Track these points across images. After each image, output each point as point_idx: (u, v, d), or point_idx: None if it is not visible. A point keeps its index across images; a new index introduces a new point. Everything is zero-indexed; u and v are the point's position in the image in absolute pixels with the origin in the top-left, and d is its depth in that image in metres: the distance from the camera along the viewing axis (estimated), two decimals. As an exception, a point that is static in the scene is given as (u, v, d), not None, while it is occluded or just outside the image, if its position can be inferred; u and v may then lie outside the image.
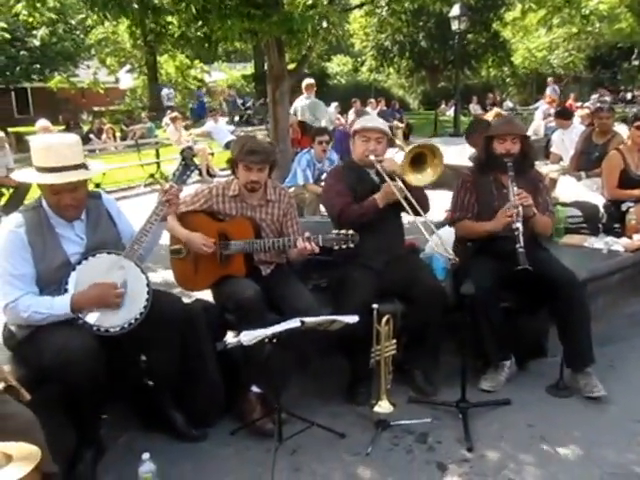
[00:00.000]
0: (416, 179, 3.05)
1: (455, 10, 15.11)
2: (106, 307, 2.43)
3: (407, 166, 3.02)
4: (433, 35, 24.38)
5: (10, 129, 12.62)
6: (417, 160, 3.05)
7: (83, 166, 2.46)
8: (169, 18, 5.60)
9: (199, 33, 5.38)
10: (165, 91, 22.23)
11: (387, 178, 3.07)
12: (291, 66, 6.79)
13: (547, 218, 3.34)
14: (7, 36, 6.10)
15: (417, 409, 2.98)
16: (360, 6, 7.60)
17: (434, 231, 3.13)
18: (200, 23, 5.20)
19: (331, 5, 5.73)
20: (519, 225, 3.04)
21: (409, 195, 3.02)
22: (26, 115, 22.58)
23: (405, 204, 3.02)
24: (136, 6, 5.08)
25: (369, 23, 23.84)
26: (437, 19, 22.25)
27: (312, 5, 5.72)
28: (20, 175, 2.56)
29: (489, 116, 8.13)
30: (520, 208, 3.07)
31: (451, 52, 22.89)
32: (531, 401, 3.06)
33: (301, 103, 9.17)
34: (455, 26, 15.68)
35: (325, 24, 5.62)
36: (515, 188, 3.12)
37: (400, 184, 3.03)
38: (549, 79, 20.70)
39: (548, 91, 19.43)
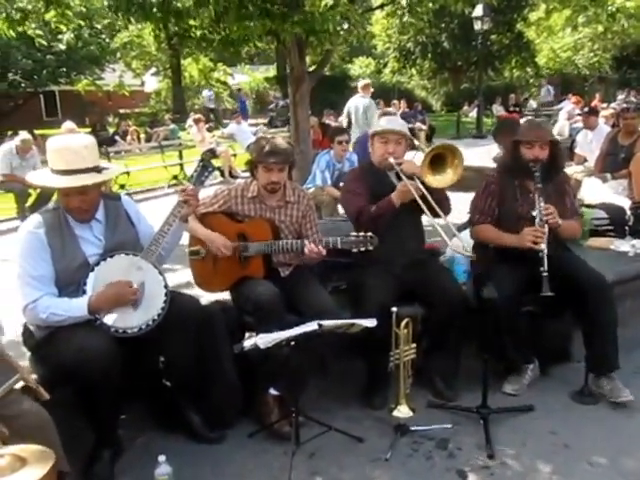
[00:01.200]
0: (436, 180, 2.99)
1: (478, 11, 14.96)
2: (122, 306, 2.43)
3: (426, 167, 2.96)
4: (456, 36, 24.15)
5: (39, 131, 12.85)
6: (437, 161, 2.99)
7: (95, 169, 2.46)
8: (191, 21, 5.63)
9: (220, 35, 5.40)
10: (206, 93, 22.30)
11: (404, 178, 3.02)
12: (313, 68, 6.77)
13: (575, 223, 3.24)
14: (44, 43, 6.25)
15: (437, 414, 2.93)
16: (381, 7, 7.56)
17: (455, 233, 3.07)
18: (221, 25, 5.21)
19: (352, 5, 5.71)
20: (544, 247, 2.94)
21: (426, 193, 2.96)
22: (54, 117, 23.01)
23: (422, 204, 2.96)
24: (157, 10, 5.12)
25: (391, 24, 23.71)
26: (460, 20, 22.02)
27: (333, 5, 5.71)
28: (34, 177, 2.58)
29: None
30: (546, 228, 2.98)
31: (474, 53, 22.65)
32: (555, 408, 2.99)
33: (355, 102, 9.13)
34: (478, 27, 15.52)
35: (346, 24, 5.61)
36: (542, 204, 3.01)
37: (418, 183, 2.98)
38: (542, 80, 20.37)
39: (542, 92, 19.03)
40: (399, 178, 3.09)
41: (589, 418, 2.90)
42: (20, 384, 1.99)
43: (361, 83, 9.30)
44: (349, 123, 9.17)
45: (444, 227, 2.98)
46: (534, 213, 3.03)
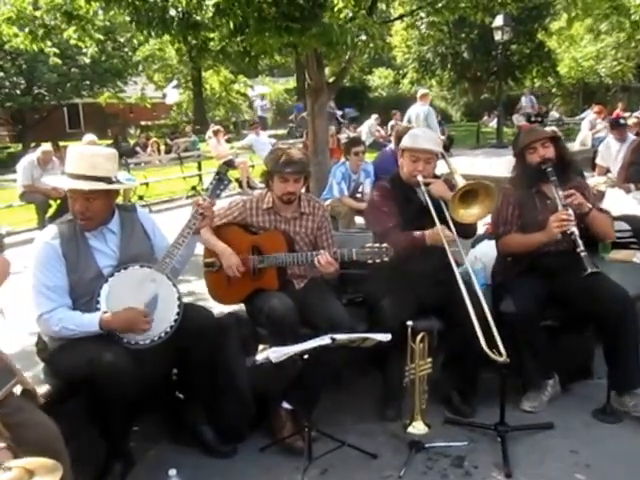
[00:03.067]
0: (464, 214, 2.93)
1: (498, 21, 14.88)
2: (135, 333, 2.42)
3: (457, 199, 2.89)
4: (476, 46, 24.03)
5: (62, 143, 13.13)
6: (467, 195, 2.93)
7: (105, 180, 2.48)
8: (211, 34, 5.68)
9: (238, 48, 5.44)
10: (259, 102, 22.27)
11: (431, 206, 2.95)
12: (332, 79, 6.78)
13: (604, 215, 3.15)
14: (58, 61, 6.51)
15: (453, 431, 2.87)
16: (400, 18, 7.56)
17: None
18: (239, 38, 5.25)
19: (370, 17, 5.70)
20: (574, 229, 2.87)
21: (458, 242, 2.95)
22: (77, 129, 23.42)
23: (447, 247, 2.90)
24: (176, 23, 5.18)
25: (411, 36, 23.73)
26: (480, 30, 21.89)
27: (351, 18, 5.71)
28: (49, 179, 2.64)
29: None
30: (571, 211, 2.91)
31: (494, 63, 22.52)
32: (575, 426, 2.90)
33: (416, 110, 10.19)
34: (498, 37, 15.43)
35: (364, 37, 5.60)
36: (560, 192, 2.97)
37: (454, 235, 2.91)
38: (525, 89, 19.69)
39: (523, 102, 18.51)
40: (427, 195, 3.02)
41: (611, 437, 2.81)
42: (19, 388, 1.99)
43: (420, 92, 10.50)
44: None
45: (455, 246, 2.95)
46: (556, 202, 2.96)
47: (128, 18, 5.52)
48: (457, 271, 2.85)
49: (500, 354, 2.59)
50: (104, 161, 2.51)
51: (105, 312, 2.41)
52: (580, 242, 2.83)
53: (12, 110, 21.18)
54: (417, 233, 2.98)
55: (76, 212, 2.49)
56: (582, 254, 2.80)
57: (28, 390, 2.02)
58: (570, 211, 2.91)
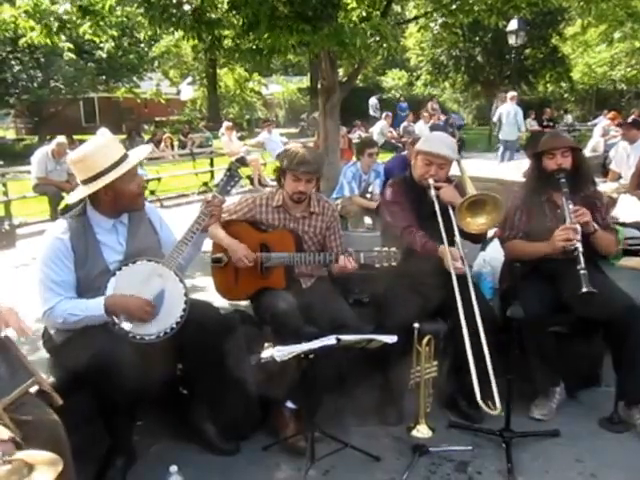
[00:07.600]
0: (470, 222, 2.90)
1: (512, 25, 14.82)
2: (134, 319, 2.41)
3: (464, 209, 2.87)
4: (489, 50, 23.89)
5: (77, 137, 13.21)
6: (475, 203, 2.89)
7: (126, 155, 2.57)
8: (225, 32, 5.68)
9: (250, 45, 5.43)
10: (373, 101, 21.91)
11: (442, 227, 2.90)
12: (345, 79, 6.75)
13: (610, 235, 3.12)
14: (73, 56, 6.60)
15: (458, 435, 2.85)
16: (414, 19, 7.51)
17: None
18: (251, 36, 5.25)
19: (384, 18, 5.68)
20: (579, 245, 2.84)
21: (464, 258, 2.92)
22: (93, 123, 23.52)
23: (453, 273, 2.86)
24: (190, 20, 5.17)
25: (425, 38, 23.64)
26: (494, 34, 21.79)
27: (365, 18, 5.70)
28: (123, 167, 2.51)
29: None
30: (578, 227, 2.89)
31: (508, 67, 22.39)
32: (582, 434, 2.87)
33: (507, 108, 12.02)
34: (512, 41, 15.39)
35: (377, 37, 5.58)
36: (571, 206, 2.93)
37: (464, 268, 2.89)
38: (502, 94, 19.06)
39: (493, 110, 17.93)
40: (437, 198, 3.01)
41: (618, 447, 2.78)
42: (35, 388, 1.99)
43: (510, 94, 12.47)
44: (499, 124, 12.37)
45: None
46: (565, 214, 2.93)
47: (141, 11, 5.51)
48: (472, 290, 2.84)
49: (495, 406, 2.58)
50: (114, 143, 2.57)
51: (108, 296, 2.41)
52: (582, 259, 2.79)
53: (28, 102, 21.29)
54: (431, 243, 2.96)
55: (138, 193, 2.57)
56: (582, 272, 2.77)
57: (44, 392, 2.01)
58: (578, 227, 2.88)
